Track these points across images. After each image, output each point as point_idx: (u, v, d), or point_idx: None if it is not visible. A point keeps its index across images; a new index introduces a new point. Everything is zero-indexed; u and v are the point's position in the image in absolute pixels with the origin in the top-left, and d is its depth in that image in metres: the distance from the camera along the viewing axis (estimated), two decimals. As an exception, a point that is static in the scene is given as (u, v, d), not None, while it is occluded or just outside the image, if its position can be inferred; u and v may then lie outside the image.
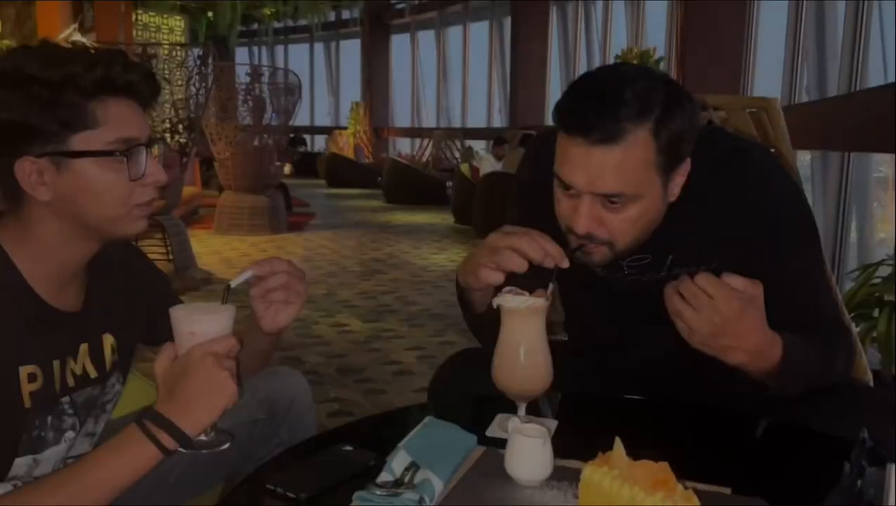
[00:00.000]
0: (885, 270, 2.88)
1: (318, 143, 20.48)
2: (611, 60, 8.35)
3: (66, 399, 1.08)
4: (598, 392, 1.34)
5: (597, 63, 10.39)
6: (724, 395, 1.19)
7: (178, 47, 7.29)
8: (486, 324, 1.15)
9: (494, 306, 1.07)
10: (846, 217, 4.47)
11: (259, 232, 7.97)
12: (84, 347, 1.11)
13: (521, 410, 1.09)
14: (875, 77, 4.43)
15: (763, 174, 1.23)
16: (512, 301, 1.05)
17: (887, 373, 2.73)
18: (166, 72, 6.55)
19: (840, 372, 1.21)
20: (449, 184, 11.51)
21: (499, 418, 1.13)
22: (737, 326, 1.03)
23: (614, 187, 1.08)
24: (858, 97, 4.02)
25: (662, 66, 6.83)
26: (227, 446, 1.00)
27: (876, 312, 2.74)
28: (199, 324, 0.98)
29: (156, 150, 1.04)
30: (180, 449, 0.96)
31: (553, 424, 1.11)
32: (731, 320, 1.02)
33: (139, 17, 11.00)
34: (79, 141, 0.98)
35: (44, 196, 0.99)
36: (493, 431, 1.10)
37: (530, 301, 1.05)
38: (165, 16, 11.95)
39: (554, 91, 12.12)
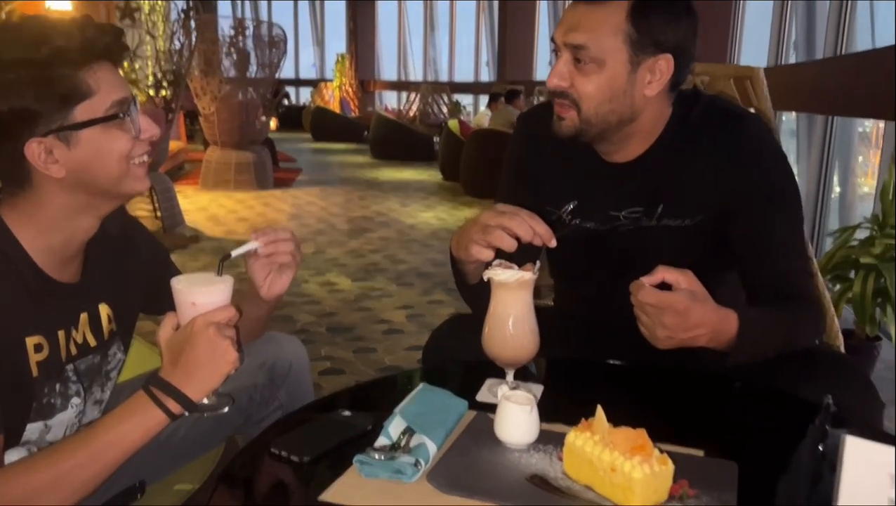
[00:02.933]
0: (862, 233, 2.95)
1: (304, 95, 20.20)
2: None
3: (69, 367, 1.13)
4: (582, 357, 1.40)
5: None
6: (700, 354, 1.25)
7: (161, 0, 7.13)
8: (479, 294, 1.20)
9: (485, 279, 1.11)
10: (829, 174, 4.54)
11: (246, 188, 7.94)
12: (84, 317, 1.15)
13: (510, 375, 1.15)
14: (862, 32, 4.44)
15: (756, 141, 1.29)
16: (501, 274, 1.09)
17: (861, 333, 2.82)
18: (149, 25, 6.42)
19: (804, 341, 1.28)
20: (436, 139, 11.44)
21: (488, 382, 1.19)
22: (688, 321, 1.11)
23: (580, 39, 1.22)
24: (844, 61, 4.04)
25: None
26: (227, 408, 1.06)
27: (852, 274, 2.82)
28: (200, 295, 1.03)
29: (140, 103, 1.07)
30: (185, 413, 1.01)
31: (539, 388, 1.17)
32: (681, 320, 1.11)
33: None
34: (80, 112, 1.00)
35: (58, 173, 1.01)
36: (482, 395, 1.15)
37: (518, 275, 1.09)
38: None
39: (543, 44, 11.98)
